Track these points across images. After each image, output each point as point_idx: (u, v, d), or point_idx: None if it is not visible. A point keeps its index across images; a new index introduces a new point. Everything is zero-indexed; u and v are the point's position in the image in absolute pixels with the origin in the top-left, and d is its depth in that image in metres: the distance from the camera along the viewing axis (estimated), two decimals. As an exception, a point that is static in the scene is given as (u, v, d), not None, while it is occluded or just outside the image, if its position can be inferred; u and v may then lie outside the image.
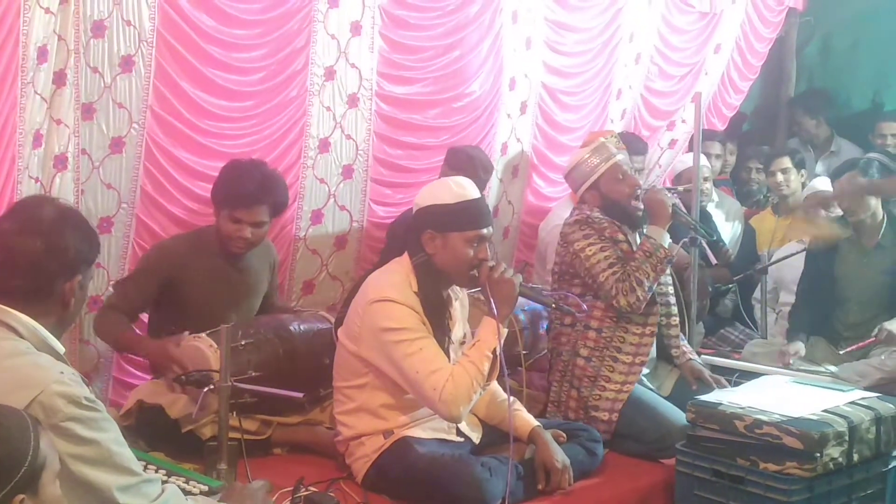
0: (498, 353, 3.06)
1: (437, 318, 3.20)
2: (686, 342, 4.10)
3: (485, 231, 3.18)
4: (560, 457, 3.24)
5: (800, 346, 4.50)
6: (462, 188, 3.22)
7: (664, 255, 3.72)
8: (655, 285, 3.76)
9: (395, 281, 3.15)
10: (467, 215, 3.16)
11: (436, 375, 3.01)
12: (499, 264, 3.18)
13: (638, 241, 3.84)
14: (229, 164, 3.67)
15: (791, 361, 4.40)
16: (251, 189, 3.54)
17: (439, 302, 3.24)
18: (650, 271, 3.69)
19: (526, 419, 3.36)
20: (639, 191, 3.85)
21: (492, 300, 3.10)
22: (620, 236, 3.80)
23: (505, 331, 3.12)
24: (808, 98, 6.78)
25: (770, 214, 5.79)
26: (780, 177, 5.56)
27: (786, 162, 5.62)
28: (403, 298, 3.09)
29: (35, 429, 1.77)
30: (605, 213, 3.83)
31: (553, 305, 3.46)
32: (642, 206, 3.85)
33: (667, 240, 3.80)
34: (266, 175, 3.61)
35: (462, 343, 3.33)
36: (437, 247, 3.16)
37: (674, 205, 3.86)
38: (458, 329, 3.35)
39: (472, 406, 3.08)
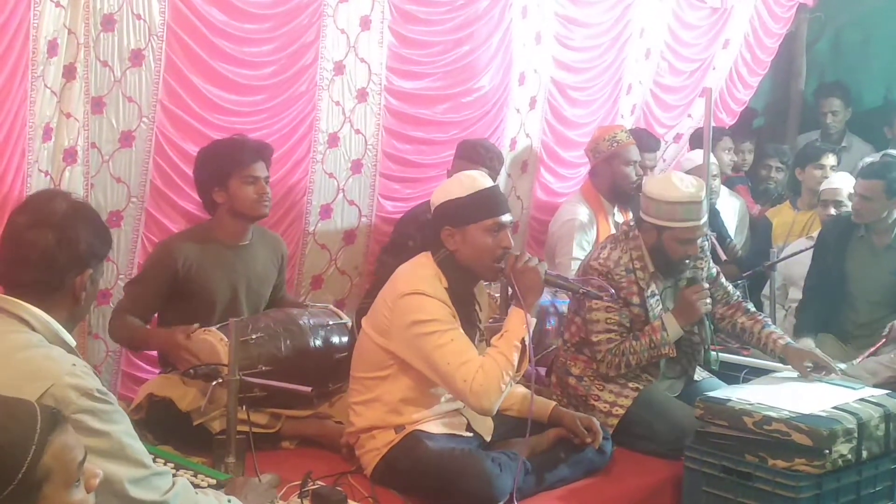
0: (527, 343, 3.04)
1: (466, 312, 3.19)
2: (772, 325, 3.91)
3: (503, 218, 3.16)
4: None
5: (810, 343, 4.48)
6: (473, 180, 3.21)
7: (667, 352, 3.65)
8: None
9: (425, 275, 3.14)
10: (482, 205, 3.14)
11: (466, 367, 3.00)
12: (523, 253, 3.18)
13: (660, 293, 3.72)
14: (208, 146, 3.67)
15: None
16: (250, 145, 3.63)
17: (468, 297, 3.24)
18: (644, 360, 3.64)
19: (543, 403, 3.41)
20: (691, 259, 3.70)
21: (518, 290, 3.09)
22: (636, 300, 3.66)
23: (533, 320, 3.09)
24: (839, 87, 6.72)
25: (788, 208, 5.78)
26: (829, 172, 5.55)
27: (834, 159, 5.65)
28: (434, 292, 3.08)
29: (42, 438, 1.58)
30: (649, 252, 3.68)
31: (580, 292, 3.35)
32: (687, 270, 3.73)
33: (676, 337, 3.65)
34: (242, 136, 3.71)
35: (482, 338, 3.32)
36: (457, 242, 3.15)
37: (706, 314, 3.71)
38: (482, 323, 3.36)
39: (503, 397, 3.05)
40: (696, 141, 5.79)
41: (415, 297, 3.06)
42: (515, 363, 3.03)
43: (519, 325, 3.05)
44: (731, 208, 5.83)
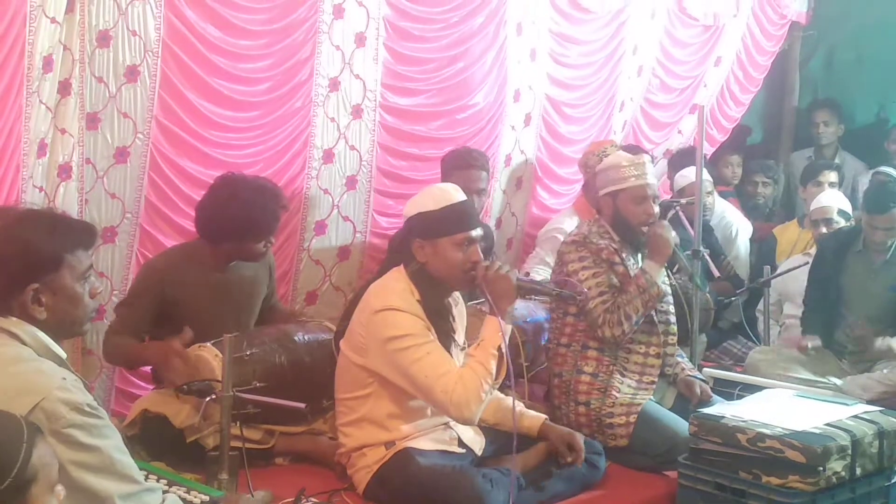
0: (503, 350, 3.05)
1: (440, 324, 3.20)
2: (686, 359, 4.07)
3: (473, 233, 3.18)
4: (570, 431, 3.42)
5: (817, 340, 4.54)
6: (445, 192, 3.23)
7: (657, 293, 3.69)
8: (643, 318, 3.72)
9: (396, 289, 3.15)
10: (453, 219, 3.16)
11: (445, 378, 3.01)
12: (493, 262, 3.20)
13: (636, 262, 3.81)
14: (234, 197, 3.54)
15: (809, 346, 4.49)
16: (276, 215, 3.62)
17: (442, 308, 3.25)
18: (640, 307, 3.66)
19: (534, 417, 3.41)
20: (651, 220, 3.80)
21: (490, 297, 3.10)
22: (616, 259, 3.76)
23: (508, 327, 3.11)
24: (831, 103, 6.74)
25: (795, 226, 5.78)
26: (827, 188, 5.55)
27: (834, 176, 5.65)
28: (407, 306, 3.09)
29: (30, 440, 1.74)
30: (612, 226, 3.81)
31: (554, 294, 3.45)
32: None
33: (662, 277, 3.75)
34: (274, 196, 3.64)
35: (463, 349, 3.33)
36: (427, 254, 3.17)
37: (675, 245, 3.82)
38: (460, 335, 3.35)
39: (484, 406, 3.06)
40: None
41: (388, 314, 3.07)
42: (493, 371, 3.04)
43: (494, 332, 3.08)
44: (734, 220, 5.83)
